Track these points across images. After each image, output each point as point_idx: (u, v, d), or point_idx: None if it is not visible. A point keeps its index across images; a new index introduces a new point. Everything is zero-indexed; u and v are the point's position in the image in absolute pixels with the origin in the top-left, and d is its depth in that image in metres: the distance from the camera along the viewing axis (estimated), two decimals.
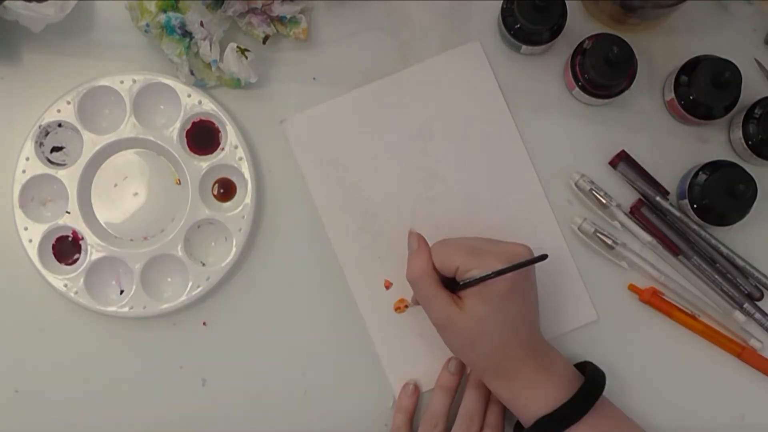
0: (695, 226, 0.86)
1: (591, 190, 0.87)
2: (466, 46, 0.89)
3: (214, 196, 0.89)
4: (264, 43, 0.87)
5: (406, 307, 0.87)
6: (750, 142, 0.85)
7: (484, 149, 0.89)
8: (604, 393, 0.78)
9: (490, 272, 0.75)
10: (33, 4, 0.83)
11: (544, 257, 0.76)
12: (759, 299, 0.87)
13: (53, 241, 0.87)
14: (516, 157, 0.88)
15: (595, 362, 0.81)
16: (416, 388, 0.86)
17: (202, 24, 0.84)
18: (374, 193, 0.88)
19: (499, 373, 0.78)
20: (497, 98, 0.89)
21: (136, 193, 0.89)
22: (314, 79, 0.89)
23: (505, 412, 0.84)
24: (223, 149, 0.87)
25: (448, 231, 0.85)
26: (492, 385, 0.80)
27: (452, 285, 0.79)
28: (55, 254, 0.87)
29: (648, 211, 0.87)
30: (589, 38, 0.85)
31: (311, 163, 0.88)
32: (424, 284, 0.78)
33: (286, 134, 0.88)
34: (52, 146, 0.88)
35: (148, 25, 0.84)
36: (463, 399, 0.84)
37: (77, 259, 0.87)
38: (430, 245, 0.80)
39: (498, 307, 0.76)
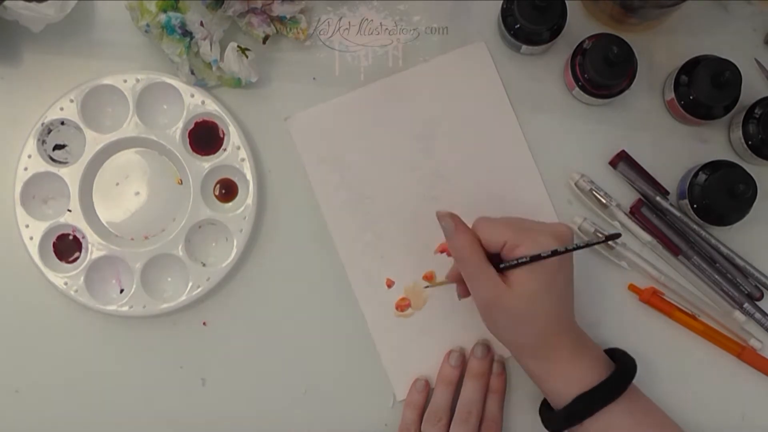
0: (695, 226, 0.86)
1: (591, 190, 0.87)
2: (472, 46, 0.89)
3: (216, 196, 0.89)
4: (264, 43, 0.87)
5: (408, 306, 0.87)
6: (750, 142, 0.85)
7: (487, 149, 0.89)
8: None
9: (547, 251, 0.74)
10: (33, 4, 0.83)
11: (617, 235, 0.75)
12: (759, 299, 0.87)
13: (54, 239, 0.87)
14: (519, 157, 0.88)
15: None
16: (427, 383, 0.86)
17: (202, 24, 0.85)
18: (377, 192, 0.88)
19: (538, 353, 0.77)
20: (502, 99, 0.89)
21: (137, 193, 0.89)
22: (314, 79, 0.89)
23: (503, 403, 0.84)
24: (225, 150, 0.88)
25: None
26: (526, 363, 0.79)
27: (496, 262, 0.77)
28: (55, 252, 0.87)
29: (648, 211, 0.87)
30: (589, 38, 0.85)
31: (314, 160, 0.88)
32: (473, 261, 0.77)
33: (290, 131, 0.88)
34: (55, 144, 0.88)
35: (148, 25, 0.84)
36: (461, 390, 0.85)
37: (78, 258, 0.87)
38: (470, 224, 0.79)
39: (546, 284, 0.75)
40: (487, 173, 0.89)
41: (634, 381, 0.78)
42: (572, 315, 0.79)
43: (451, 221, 0.78)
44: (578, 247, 0.75)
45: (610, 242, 0.86)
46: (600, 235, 0.75)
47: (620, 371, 0.78)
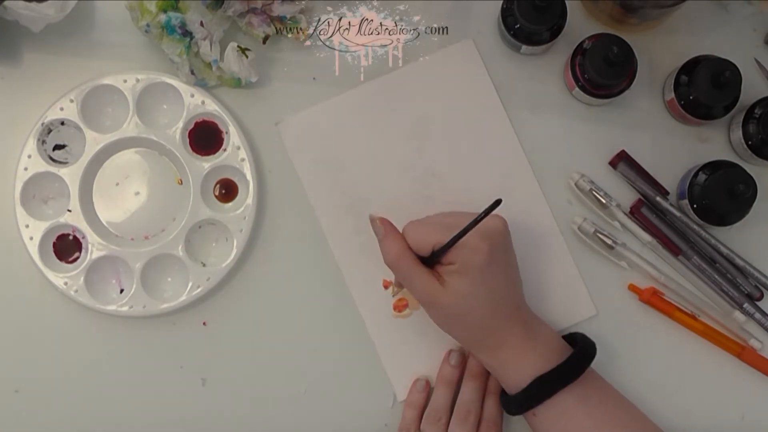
0: (695, 226, 0.86)
1: (591, 190, 0.87)
2: (459, 44, 0.89)
3: (216, 196, 0.89)
4: (264, 43, 0.87)
5: (406, 306, 0.87)
6: (750, 142, 0.85)
7: (479, 147, 0.89)
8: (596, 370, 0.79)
9: (456, 233, 0.75)
10: (33, 4, 0.83)
11: (498, 202, 0.74)
12: (759, 299, 0.87)
13: (54, 239, 0.87)
14: (512, 155, 0.88)
15: (593, 362, 0.80)
16: (427, 383, 0.86)
17: (202, 24, 0.85)
18: (371, 192, 0.88)
19: (486, 345, 0.79)
20: (491, 96, 0.89)
21: (137, 193, 0.89)
22: (314, 79, 0.89)
23: None
24: (225, 150, 0.88)
25: None
26: (480, 357, 0.80)
27: (429, 263, 0.79)
28: (55, 252, 0.87)
29: (648, 211, 0.87)
30: (589, 38, 0.85)
31: (307, 164, 0.88)
32: (403, 265, 0.78)
33: (281, 136, 0.88)
34: (55, 144, 0.88)
35: (148, 25, 0.84)
36: (460, 390, 0.85)
37: (78, 258, 0.87)
38: (402, 227, 0.80)
39: (479, 280, 0.76)
40: (480, 171, 0.88)
41: (601, 373, 0.80)
42: (520, 303, 0.81)
43: (380, 225, 0.80)
44: (476, 222, 0.74)
45: (609, 242, 0.86)
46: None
47: (576, 356, 0.78)
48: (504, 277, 0.79)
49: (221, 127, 0.88)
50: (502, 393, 0.81)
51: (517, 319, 0.79)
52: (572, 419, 0.77)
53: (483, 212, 0.74)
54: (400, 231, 0.80)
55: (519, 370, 0.77)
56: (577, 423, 0.77)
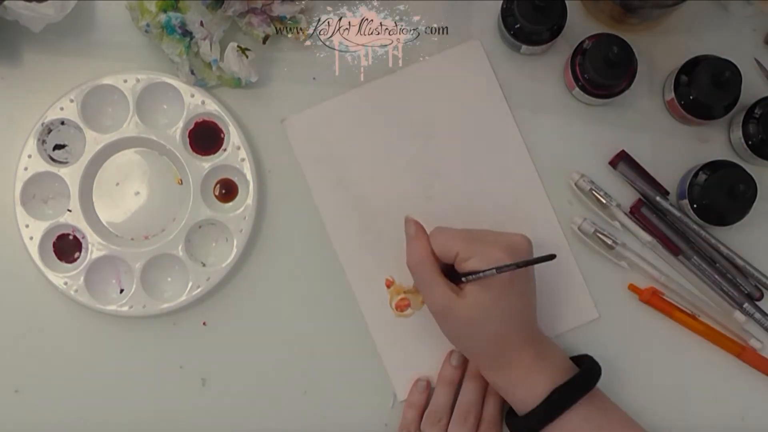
0: (695, 226, 0.86)
1: (591, 190, 0.87)
2: (466, 44, 0.89)
3: (216, 196, 0.89)
4: (264, 43, 0.87)
5: (408, 306, 0.87)
6: (750, 142, 0.85)
7: (484, 148, 0.89)
8: (603, 390, 0.79)
9: (494, 267, 0.75)
10: (33, 4, 0.83)
11: (552, 257, 0.76)
12: (759, 299, 0.87)
13: (54, 239, 0.87)
14: (517, 156, 0.88)
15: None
16: (428, 384, 0.86)
17: (202, 24, 0.85)
18: (374, 192, 0.88)
19: (497, 363, 0.78)
20: (498, 97, 0.89)
21: (137, 193, 0.89)
22: (314, 79, 0.89)
23: (502, 405, 0.84)
24: (225, 150, 0.88)
25: None
26: (488, 375, 0.80)
27: (451, 273, 0.79)
28: (55, 252, 0.87)
29: (648, 211, 0.87)
30: (589, 38, 0.85)
31: (311, 162, 0.88)
32: (424, 270, 0.79)
33: (286, 133, 0.88)
34: (55, 144, 0.88)
35: (148, 25, 0.84)
36: (461, 391, 0.85)
37: (78, 258, 0.87)
38: (429, 231, 0.81)
39: (498, 295, 0.76)
40: (484, 171, 0.89)
41: (606, 393, 0.79)
42: (533, 324, 0.80)
43: (413, 227, 0.81)
44: (521, 264, 0.75)
45: (609, 242, 0.86)
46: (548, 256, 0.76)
47: (578, 378, 0.78)
48: (522, 298, 0.79)
49: (221, 127, 0.88)
50: (509, 414, 0.81)
51: (529, 339, 0.79)
52: None
53: (533, 260, 0.76)
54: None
55: (528, 389, 0.77)
56: None
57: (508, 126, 0.89)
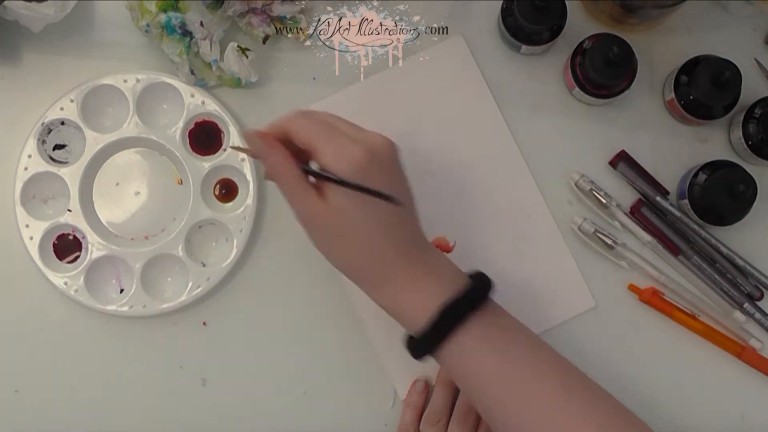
0: (695, 226, 0.86)
1: (591, 190, 0.87)
2: (449, 40, 0.89)
3: (216, 196, 0.89)
4: (264, 43, 0.87)
5: None
6: (750, 142, 0.85)
7: (472, 142, 0.88)
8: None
9: (333, 176, 0.68)
10: (33, 4, 0.83)
11: (391, 198, 0.68)
12: (759, 299, 0.87)
13: (54, 239, 0.87)
14: (506, 151, 0.88)
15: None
16: (426, 384, 0.86)
17: (202, 24, 0.85)
18: None
19: (377, 279, 0.72)
20: (483, 91, 0.89)
21: (137, 193, 0.89)
22: (314, 78, 0.89)
23: None
24: (225, 150, 0.88)
25: (440, 227, 0.87)
26: (373, 296, 0.73)
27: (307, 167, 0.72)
28: (55, 252, 0.87)
29: (648, 211, 0.87)
30: (589, 38, 0.85)
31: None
32: (289, 178, 0.71)
33: None
34: (55, 144, 0.88)
35: (148, 25, 0.84)
36: (460, 392, 0.84)
37: (78, 257, 0.87)
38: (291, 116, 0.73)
39: (362, 199, 0.69)
40: (474, 167, 0.88)
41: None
42: (415, 233, 0.74)
43: (260, 140, 0.72)
44: (362, 189, 0.68)
45: (609, 242, 0.86)
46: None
47: (473, 287, 0.72)
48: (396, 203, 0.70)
49: (221, 127, 0.88)
50: (405, 336, 0.74)
51: (411, 249, 0.72)
52: (474, 357, 0.71)
53: (374, 191, 0.68)
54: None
55: (415, 307, 0.71)
56: (480, 361, 0.71)
57: (496, 120, 0.88)
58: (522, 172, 0.88)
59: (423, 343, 0.71)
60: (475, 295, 0.72)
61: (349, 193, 0.69)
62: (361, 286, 0.74)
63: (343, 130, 0.72)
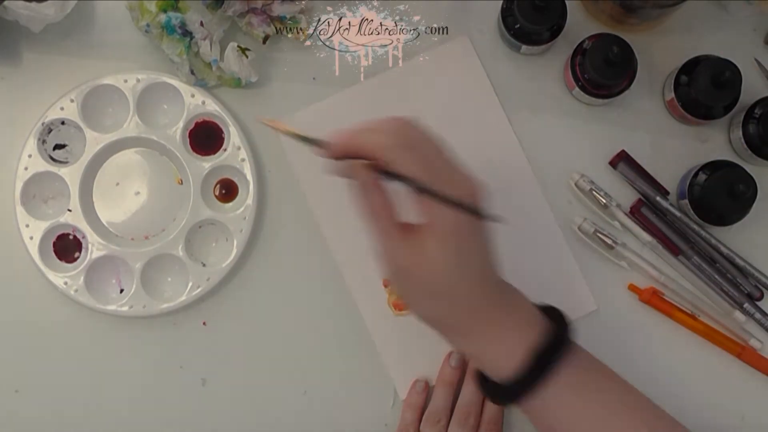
0: (695, 226, 0.86)
1: (591, 190, 0.87)
2: (455, 41, 0.89)
3: (216, 196, 0.89)
4: (264, 43, 0.87)
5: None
6: (750, 142, 0.85)
7: (476, 143, 0.87)
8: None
9: (442, 194, 0.64)
10: (33, 4, 0.83)
11: (491, 218, 0.65)
12: (759, 299, 0.87)
13: (54, 239, 0.87)
14: (511, 152, 0.88)
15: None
16: (426, 385, 0.86)
17: (202, 24, 0.85)
18: None
19: (464, 326, 0.68)
20: (488, 92, 0.89)
21: (137, 192, 0.89)
22: (314, 78, 0.89)
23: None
24: (225, 150, 0.88)
25: None
26: (455, 341, 0.70)
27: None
28: (55, 252, 0.87)
29: (648, 211, 0.87)
30: (589, 38, 0.85)
31: (305, 162, 0.88)
32: (383, 223, 0.67)
33: (279, 136, 0.88)
34: (55, 144, 0.88)
35: (148, 25, 0.84)
36: (461, 392, 0.85)
37: (78, 257, 0.87)
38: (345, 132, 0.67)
39: (458, 247, 0.65)
40: (478, 168, 0.88)
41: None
42: (497, 274, 0.69)
43: (365, 174, 0.67)
44: (463, 207, 0.64)
45: (609, 242, 0.86)
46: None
47: (560, 329, 0.69)
48: (484, 244, 0.67)
49: (221, 127, 0.88)
50: (483, 380, 0.71)
51: (496, 292, 0.69)
52: (568, 405, 0.68)
53: (457, 201, 0.65)
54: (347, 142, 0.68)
55: (504, 352, 0.67)
56: (575, 409, 0.68)
57: (500, 121, 0.88)
58: (524, 172, 0.88)
59: (512, 392, 0.68)
60: (562, 339, 0.69)
61: (446, 243, 0.64)
62: (444, 335, 0.70)
63: (442, 165, 0.67)
